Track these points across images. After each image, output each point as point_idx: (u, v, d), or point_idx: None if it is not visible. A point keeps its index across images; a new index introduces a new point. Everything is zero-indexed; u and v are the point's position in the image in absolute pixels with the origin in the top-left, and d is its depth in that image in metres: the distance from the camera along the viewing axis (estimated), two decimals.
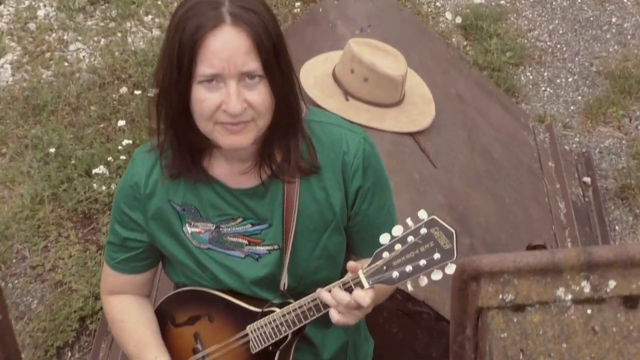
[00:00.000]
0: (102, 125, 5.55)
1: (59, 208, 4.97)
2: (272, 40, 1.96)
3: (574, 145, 5.15)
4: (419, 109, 3.71)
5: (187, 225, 2.23)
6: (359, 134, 2.23)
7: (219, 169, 2.18)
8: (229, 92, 1.94)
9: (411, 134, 3.63)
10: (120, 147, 5.16)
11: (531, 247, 3.12)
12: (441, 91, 3.96)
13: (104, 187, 4.93)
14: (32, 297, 4.54)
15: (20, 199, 5.03)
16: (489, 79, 5.33)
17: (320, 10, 4.31)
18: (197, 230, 2.23)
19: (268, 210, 2.20)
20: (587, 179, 4.73)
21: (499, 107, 4.50)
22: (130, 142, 5.17)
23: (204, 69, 1.93)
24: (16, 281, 4.63)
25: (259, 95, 1.97)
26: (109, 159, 5.10)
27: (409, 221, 2.00)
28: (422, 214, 2.00)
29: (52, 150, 5.23)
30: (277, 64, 1.99)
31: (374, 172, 2.24)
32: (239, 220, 2.22)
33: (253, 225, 2.22)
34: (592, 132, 5.25)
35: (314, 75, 3.69)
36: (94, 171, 5.01)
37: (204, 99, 1.96)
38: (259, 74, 1.96)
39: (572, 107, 5.48)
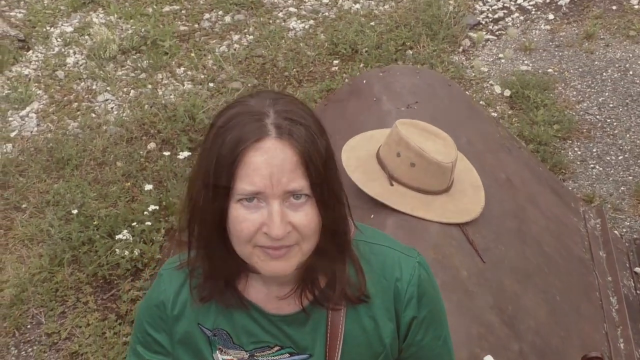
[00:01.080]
0: (127, 184, 5.36)
1: (78, 271, 4.78)
2: (321, 156, 1.72)
3: (624, 230, 4.88)
4: (468, 197, 3.46)
5: (217, 352, 2.01)
6: (414, 257, 2.00)
7: (256, 292, 1.95)
8: (271, 213, 1.70)
9: (459, 225, 3.38)
10: (146, 212, 4.93)
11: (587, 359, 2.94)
12: (490, 176, 3.72)
13: (126, 252, 4.72)
14: None
15: (39, 259, 4.86)
16: (537, 158, 5.08)
17: (364, 81, 4.08)
18: (229, 357, 2.00)
19: (309, 339, 1.97)
20: (639, 269, 4.45)
21: (548, 191, 4.24)
22: (157, 207, 4.95)
23: (244, 186, 1.69)
24: (30, 349, 4.42)
25: (305, 217, 1.73)
26: (134, 223, 4.88)
27: None
28: None
29: (75, 211, 5.03)
30: (326, 183, 1.75)
31: (430, 300, 2.01)
32: (276, 348, 1.98)
33: (291, 354, 1.99)
34: None
35: (357, 156, 3.46)
36: (117, 237, 4.80)
37: (243, 220, 1.72)
38: (306, 193, 1.72)
39: (622, 188, 5.21)
